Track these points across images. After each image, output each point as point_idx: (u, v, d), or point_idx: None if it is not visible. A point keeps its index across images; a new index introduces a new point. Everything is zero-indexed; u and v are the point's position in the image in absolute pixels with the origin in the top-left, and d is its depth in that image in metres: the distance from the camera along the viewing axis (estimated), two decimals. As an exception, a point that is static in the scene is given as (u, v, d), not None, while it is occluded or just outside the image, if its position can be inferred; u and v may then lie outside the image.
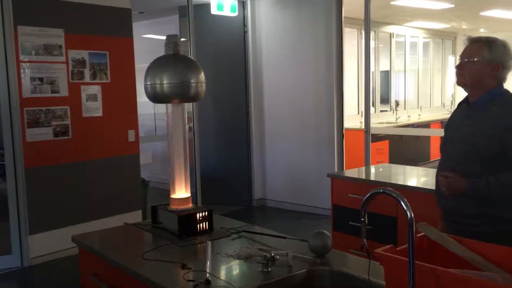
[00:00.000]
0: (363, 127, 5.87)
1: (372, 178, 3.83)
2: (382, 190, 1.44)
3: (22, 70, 4.25)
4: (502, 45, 2.03)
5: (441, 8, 7.18)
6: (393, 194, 1.41)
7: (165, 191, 2.45)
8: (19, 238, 4.37)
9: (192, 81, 2.21)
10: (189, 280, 1.69)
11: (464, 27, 9.57)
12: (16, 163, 4.29)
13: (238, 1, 6.09)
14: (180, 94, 2.21)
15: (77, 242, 2.26)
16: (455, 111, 2.25)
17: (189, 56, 5.69)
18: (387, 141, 7.24)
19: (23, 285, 4.18)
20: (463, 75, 2.06)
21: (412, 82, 9.36)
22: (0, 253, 4.41)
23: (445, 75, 10.19)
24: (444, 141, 2.17)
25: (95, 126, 4.71)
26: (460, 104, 2.20)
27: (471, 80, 2.04)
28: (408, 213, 1.36)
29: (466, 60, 2.05)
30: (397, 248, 1.54)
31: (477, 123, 2.02)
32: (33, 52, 4.30)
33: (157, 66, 2.24)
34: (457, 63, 2.11)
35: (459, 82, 2.10)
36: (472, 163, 1.99)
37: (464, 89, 2.13)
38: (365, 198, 1.50)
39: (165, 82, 2.18)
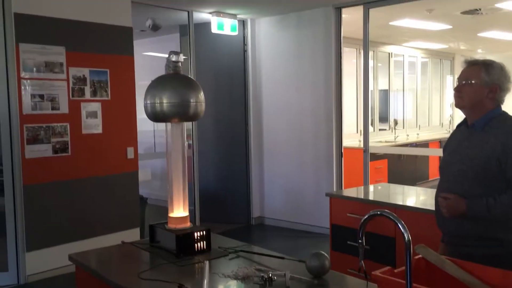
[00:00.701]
0: (361, 146, 5.88)
1: (371, 197, 3.83)
2: (380, 212, 1.45)
3: (23, 87, 4.27)
4: (500, 67, 2.06)
5: (439, 29, 7.26)
6: (391, 216, 1.41)
7: (164, 208, 2.44)
8: (16, 255, 4.34)
9: (191, 100, 2.22)
10: (186, 301, 1.68)
11: (462, 47, 9.66)
12: (15, 180, 4.29)
13: (239, 21, 6.16)
14: (180, 114, 2.23)
15: (74, 261, 2.25)
16: (453, 132, 2.26)
17: (189, 74, 5.74)
18: (385, 160, 7.24)
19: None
20: (461, 97, 2.08)
21: (411, 101, 9.41)
22: (-4, 270, 4.38)
23: (444, 95, 10.25)
24: (443, 163, 2.18)
25: (94, 143, 4.72)
26: (458, 125, 2.21)
27: (469, 102, 2.06)
28: (405, 235, 1.36)
29: (463, 82, 2.07)
30: (395, 270, 1.54)
31: (475, 144, 2.03)
32: (34, 69, 4.33)
33: (157, 85, 2.26)
34: (455, 85, 2.13)
35: (458, 104, 2.12)
36: (471, 185, 2.00)
37: (463, 111, 2.15)
38: (363, 220, 1.50)
39: (164, 101, 2.19)
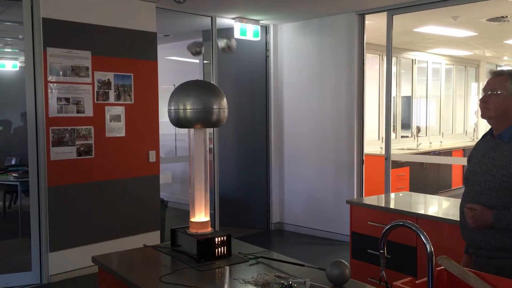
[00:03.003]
0: (383, 153, 5.83)
1: (392, 206, 3.79)
2: (402, 222, 1.44)
3: (49, 90, 4.37)
4: None
5: (464, 36, 7.17)
6: (413, 227, 1.40)
7: (183, 212, 2.47)
8: (39, 255, 4.42)
9: (214, 107, 2.25)
10: (206, 306, 1.69)
11: (487, 54, 9.51)
12: (40, 181, 4.38)
13: (261, 26, 6.18)
14: (202, 120, 2.25)
15: (97, 263, 2.29)
16: (478, 142, 2.24)
17: (211, 79, 5.78)
18: (407, 168, 7.16)
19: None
20: (487, 108, 2.07)
21: (434, 108, 9.29)
22: (20, 270, 4.47)
23: (468, 102, 10.09)
24: (468, 174, 2.15)
25: (117, 146, 4.79)
26: (484, 136, 2.19)
27: (496, 113, 2.05)
28: (428, 246, 1.35)
29: (489, 93, 2.05)
30: (417, 281, 1.53)
31: (503, 155, 2.01)
32: (61, 72, 4.43)
33: (180, 91, 2.28)
34: (481, 96, 2.11)
35: (484, 115, 2.10)
36: (498, 196, 1.97)
37: (489, 122, 2.12)
38: (384, 230, 1.50)
39: (188, 107, 2.22)
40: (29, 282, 4.41)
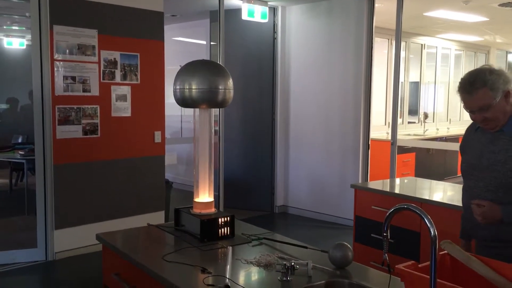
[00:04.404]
0: (389, 138, 5.81)
1: (397, 191, 3.78)
2: (406, 206, 1.43)
3: (56, 69, 4.36)
4: (497, 74, 1.91)
5: (475, 21, 7.06)
6: (417, 211, 1.39)
7: (188, 193, 2.47)
8: (44, 233, 4.47)
9: (220, 87, 2.23)
10: (208, 285, 1.70)
11: (498, 40, 9.39)
12: (46, 159, 4.40)
13: (269, 8, 6.12)
14: (208, 100, 2.24)
15: (101, 240, 2.30)
16: (469, 132, 2.14)
17: (218, 60, 5.75)
18: (413, 154, 7.14)
19: (47, 278, 4.27)
20: (487, 123, 1.95)
21: (442, 94, 9.22)
22: (26, 246, 4.52)
23: (477, 89, 9.99)
24: (467, 167, 2.09)
25: (123, 126, 4.79)
26: (474, 126, 2.08)
27: (496, 121, 1.94)
28: (431, 230, 1.34)
29: (479, 110, 1.92)
30: (419, 265, 1.53)
31: (504, 149, 1.94)
32: (67, 51, 4.41)
33: (186, 71, 2.27)
34: (470, 115, 1.98)
35: (491, 128, 1.97)
36: (506, 190, 1.92)
37: None
38: (388, 213, 1.49)
39: (193, 87, 2.21)
40: (35, 258, 4.46)
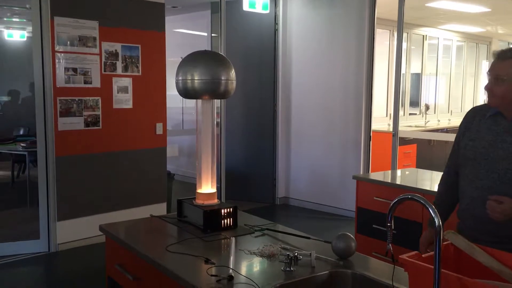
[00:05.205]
0: (391, 129, 5.80)
1: (398, 182, 3.79)
2: (411, 196, 1.43)
3: (57, 60, 4.35)
4: None
5: (477, 11, 7.03)
6: (422, 201, 1.39)
7: (190, 185, 2.47)
8: (47, 224, 4.48)
9: (222, 78, 2.22)
10: (212, 275, 1.71)
11: (500, 31, 9.34)
12: (48, 151, 4.40)
13: (270, -1, 6.09)
14: (210, 91, 2.23)
15: (105, 232, 2.31)
16: (475, 119, 2.05)
17: (220, 52, 5.73)
18: (415, 145, 7.12)
19: (50, 269, 4.29)
20: (493, 96, 1.91)
21: (444, 86, 9.19)
22: (29, 238, 4.54)
23: (478, 80, 9.97)
24: (474, 155, 1.99)
25: (125, 117, 4.79)
26: (488, 115, 1.99)
27: (503, 102, 1.89)
28: (436, 220, 1.34)
29: (494, 79, 1.89)
30: (423, 255, 1.53)
31: None
32: (68, 42, 4.40)
33: (188, 62, 2.26)
34: (487, 81, 1.93)
35: (492, 103, 1.94)
36: None
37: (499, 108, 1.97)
38: (393, 203, 1.49)
39: (196, 78, 2.20)
40: (37, 250, 4.48)
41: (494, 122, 1.97)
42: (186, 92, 2.26)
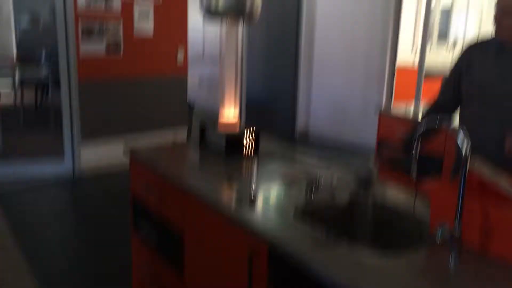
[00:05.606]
0: (416, 64, 5.64)
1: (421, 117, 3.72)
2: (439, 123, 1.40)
3: (77, -17, 4.26)
4: None
5: None
6: (449, 128, 1.37)
7: (210, 115, 2.46)
8: (71, 148, 4.58)
9: (248, -2, 2.15)
10: (234, 196, 1.74)
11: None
12: (70, 76, 4.41)
13: None
14: (235, 9, 2.16)
15: (129, 155, 2.34)
16: (481, 54, 1.95)
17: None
18: (439, 81, 6.96)
19: (74, 193, 4.42)
20: (502, 28, 1.81)
21: (474, 22, 8.81)
22: (54, 161, 4.65)
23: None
24: (480, 91, 1.91)
25: (145, 45, 4.73)
26: (497, 50, 1.90)
27: (510, 35, 1.80)
28: (464, 147, 1.32)
29: (502, 11, 1.79)
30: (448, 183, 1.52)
31: None
32: (88, -36, 4.28)
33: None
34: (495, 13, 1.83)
35: (500, 36, 1.85)
36: None
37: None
38: (418, 131, 1.47)
39: (221, -5, 2.13)
40: (62, 172, 4.60)
41: (505, 58, 1.88)
42: (209, 10, 2.19)
